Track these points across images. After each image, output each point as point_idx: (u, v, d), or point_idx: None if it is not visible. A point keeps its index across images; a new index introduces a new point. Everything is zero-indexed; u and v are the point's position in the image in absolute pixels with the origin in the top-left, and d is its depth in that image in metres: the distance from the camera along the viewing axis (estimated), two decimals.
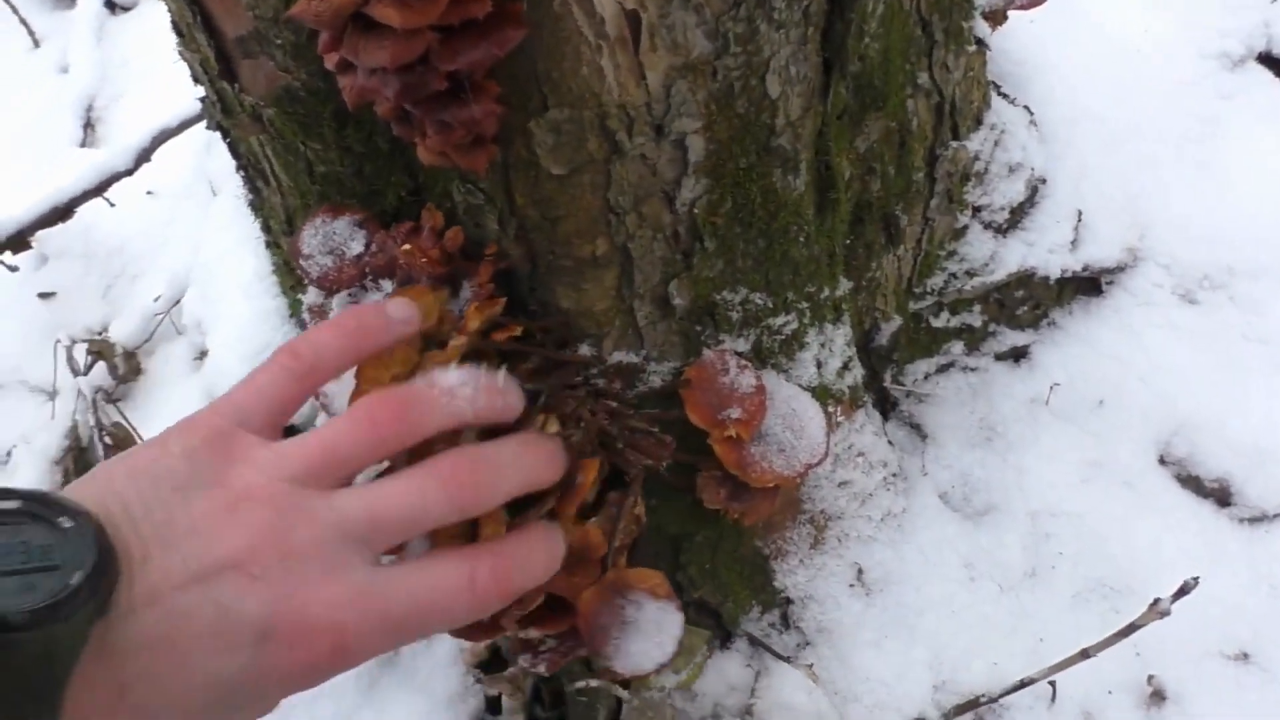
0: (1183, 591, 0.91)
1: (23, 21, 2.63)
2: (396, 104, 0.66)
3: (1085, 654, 0.93)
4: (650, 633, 0.85)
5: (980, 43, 1.06)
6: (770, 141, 0.79)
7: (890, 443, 1.11)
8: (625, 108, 0.72)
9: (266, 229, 1.11)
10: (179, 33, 0.90)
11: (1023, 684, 0.95)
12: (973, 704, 0.97)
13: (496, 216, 0.79)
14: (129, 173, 1.53)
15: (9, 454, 1.65)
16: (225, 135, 0.99)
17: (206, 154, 1.56)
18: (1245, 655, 1.05)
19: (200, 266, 1.41)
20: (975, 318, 1.17)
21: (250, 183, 1.01)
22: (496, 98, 0.68)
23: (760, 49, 0.74)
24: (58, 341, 1.52)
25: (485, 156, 0.71)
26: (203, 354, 1.54)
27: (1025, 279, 1.17)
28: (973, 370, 1.20)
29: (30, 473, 1.51)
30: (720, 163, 0.78)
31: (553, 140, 0.73)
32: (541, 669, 0.87)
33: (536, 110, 0.72)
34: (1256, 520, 1.13)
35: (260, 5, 0.76)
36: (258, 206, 1.08)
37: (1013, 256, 1.14)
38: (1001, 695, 0.96)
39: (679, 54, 0.71)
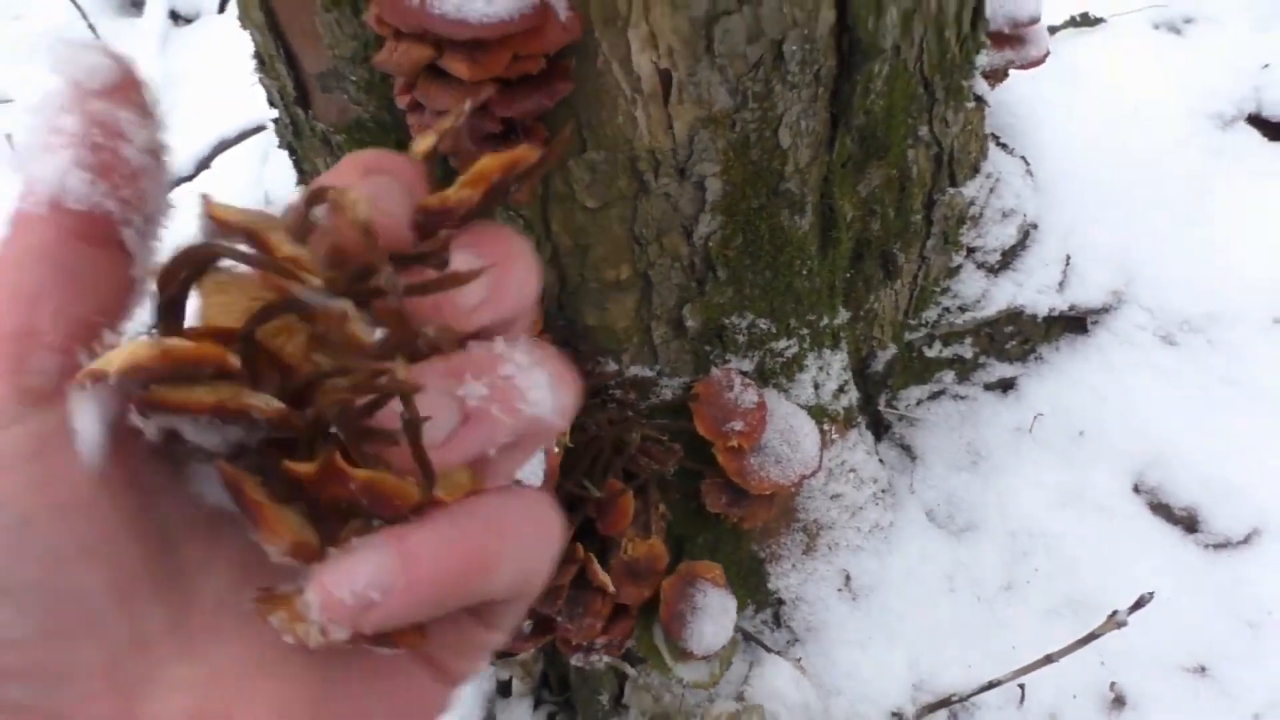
0: (1139, 604, 1.00)
1: (90, 27, 2.76)
2: (457, 141, 0.77)
3: (1049, 659, 1.03)
4: (717, 616, 0.97)
5: (979, 99, 1.16)
6: (780, 185, 0.90)
7: (881, 461, 1.20)
8: (654, 152, 0.83)
9: None
10: (260, 61, 1.01)
11: (991, 685, 1.05)
12: (944, 702, 1.06)
13: (535, 242, 0.90)
14: (189, 179, 1.65)
15: None
16: (293, 153, 1.09)
17: (263, 164, 1.68)
18: (1203, 669, 1.14)
19: None
20: (966, 349, 1.27)
21: None
22: (544, 141, 0.78)
23: (775, 105, 0.84)
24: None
25: (530, 190, 0.82)
26: None
27: (1014, 316, 1.26)
28: (962, 398, 1.30)
29: None
30: (734, 202, 0.88)
31: (589, 178, 0.84)
32: (601, 663, 0.99)
33: (576, 151, 0.82)
34: (1220, 546, 1.22)
35: (339, 47, 0.87)
36: None
37: (1003, 295, 1.24)
38: (971, 695, 1.05)
39: (703, 108, 0.81)
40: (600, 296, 0.93)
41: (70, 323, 0.28)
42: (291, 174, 1.16)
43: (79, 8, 2.33)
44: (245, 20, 0.98)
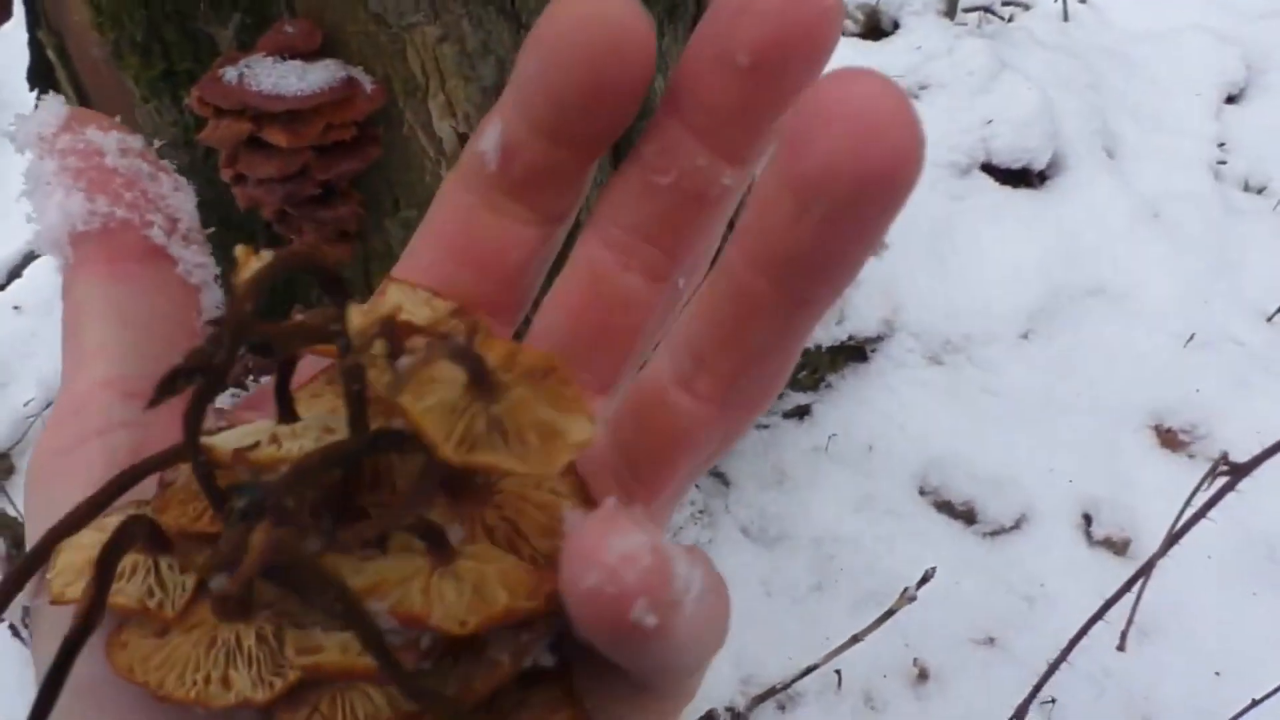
0: (924, 580, 1.14)
1: None
2: (279, 206, 0.86)
3: (856, 638, 1.15)
4: None
5: None
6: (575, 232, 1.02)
7: (697, 486, 1.32)
8: None
9: None
10: None
11: (808, 670, 1.16)
12: (770, 692, 1.17)
13: (359, 300, 0.99)
14: (1, 288, 1.65)
15: None
16: None
17: None
18: (991, 639, 1.29)
19: None
20: None
21: None
22: (359, 201, 0.88)
23: None
24: None
25: (350, 248, 0.91)
26: None
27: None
28: (765, 427, 1.44)
29: None
30: None
31: (403, 234, 0.93)
32: None
33: (390, 211, 0.92)
34: (995, 533, 1.39)
35: (161, 133, 0.94)
36: None
37: None
38: (792, 681, 1.16)
39: None
40: None
41: (142, 360, 0.27)
42: None
43: None
44: None
